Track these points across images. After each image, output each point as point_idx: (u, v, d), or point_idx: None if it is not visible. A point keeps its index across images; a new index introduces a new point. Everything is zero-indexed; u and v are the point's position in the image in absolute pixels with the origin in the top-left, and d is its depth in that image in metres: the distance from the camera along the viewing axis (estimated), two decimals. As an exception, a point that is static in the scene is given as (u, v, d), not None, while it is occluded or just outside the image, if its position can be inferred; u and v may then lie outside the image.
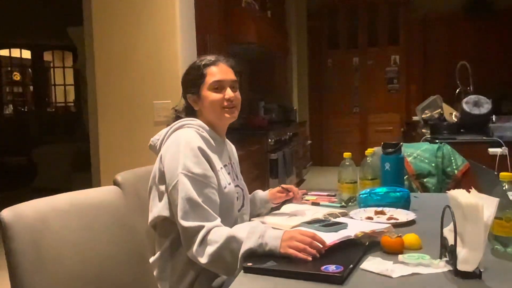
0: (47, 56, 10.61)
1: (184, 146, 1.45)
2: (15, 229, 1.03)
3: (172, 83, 3.11)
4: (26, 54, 10.39)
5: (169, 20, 3.08)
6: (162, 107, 3.11)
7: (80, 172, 5.97)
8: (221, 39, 4.14)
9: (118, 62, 3.18)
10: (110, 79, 3.20)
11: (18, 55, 10.48)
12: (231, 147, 1.78)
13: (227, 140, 1.73)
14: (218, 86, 1.57)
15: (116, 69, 3.19)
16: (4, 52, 10.02)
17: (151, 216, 1.52)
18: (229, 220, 1.52)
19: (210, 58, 1.61)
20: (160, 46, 3.10)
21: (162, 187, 1.49)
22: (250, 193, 1.81)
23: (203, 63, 1.60)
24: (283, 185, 1.78)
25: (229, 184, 1.55)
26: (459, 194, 1.12)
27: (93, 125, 3.59)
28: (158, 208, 1.49)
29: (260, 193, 1.80)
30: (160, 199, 1.50)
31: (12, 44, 9.97)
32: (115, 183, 1.58)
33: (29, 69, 10.72)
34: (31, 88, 10.80)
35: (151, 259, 1.53)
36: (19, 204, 1.09)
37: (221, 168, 1.55)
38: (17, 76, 10.82)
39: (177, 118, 1.64)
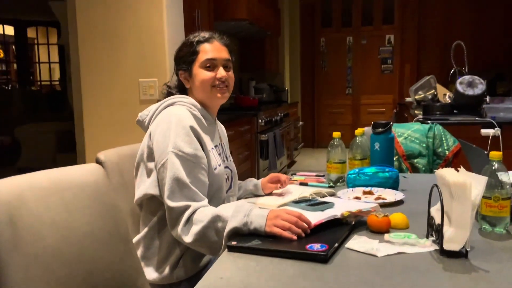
0: (31, 33, 10.44)
1: (175, 124, 1.44)
2: (-10, 206, 1.02)
3: (158, 60, 3.07)
4: (9, 30, 10.21)
5: (156, -5, 3.03)
6: (148, 85, 3.08)
7: (65, 152, 5.94)
8: (210, 15, 4.09)
9: (103, 38, 3.13)
10: (94, 56, 3.16)
11: (0, 31, 10.30)
12: (222, 128, 1.77)
13: (217, 120, 1.72)
14: (211, 64, 1.55)
15: (100, 45, 3.14)
16: (-14, 28, 9.87)
17: (137, 194, 1.52)
18: (218, 201, 1.52)
19: (204, 34, 1.59)
20: (146, 22, 3.06)
21: (151, 165, 1.48)
22: (240, 177, 1.80)
23: (196, 39, 1.57)
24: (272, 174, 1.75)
25: (219, 165, 1.55)
26: (447, 173, 1.12)
27: (77, 104, 3.55)
28: (145, 186, 1.49)
29: (254, 180, 1.79)
30: (148, 177, 1.49)
31: (-6, 20, 9.79)
32: (97, 161, 1.57)
33: (13, 46, 10.56)
34: (15, 65, 10.65)
35: (135, 238, 1.53)
36: (-6, 180, 1.08)
37: (212, 148, 1.54)
38: (0, 53, 10.66)
39: (169, 94, 1.62)
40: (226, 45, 1.61)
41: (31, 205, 1.11)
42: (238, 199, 1.73)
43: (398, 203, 1.55)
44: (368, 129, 2.04)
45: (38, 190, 1.15)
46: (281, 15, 6.99)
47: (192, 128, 1.46)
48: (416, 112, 3.71)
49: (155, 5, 3.04)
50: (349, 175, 1.77)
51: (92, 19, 3.13)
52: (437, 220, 1.12)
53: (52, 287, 1.09)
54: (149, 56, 3.07)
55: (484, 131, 2.88)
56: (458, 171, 1.15)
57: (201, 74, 1.55)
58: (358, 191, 1.66)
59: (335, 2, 8.09)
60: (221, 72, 1.56)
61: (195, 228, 1.33)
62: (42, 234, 1.10)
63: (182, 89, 1.63)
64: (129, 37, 3.09)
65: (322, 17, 8.15)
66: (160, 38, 3.05)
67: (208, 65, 1.55)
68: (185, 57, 1.58)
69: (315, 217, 1.25)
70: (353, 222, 1.29)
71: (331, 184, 1.82)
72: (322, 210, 1.34)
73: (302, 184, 1.86)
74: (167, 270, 1.48)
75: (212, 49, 1.56)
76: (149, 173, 1.49)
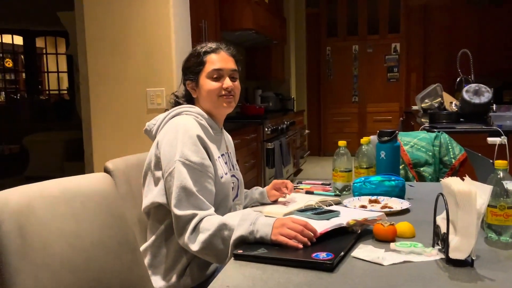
0: (40, 42, 10.55)
1: (182, 134, 1.45)
2: (0, 215, 1.03)
3: (165, 70, 3.10)
4: (18, 40, 10.33)
5: (163, 5, 3.06)
6: (155, 94, 3.10)
7: (73, 160, 5.98)
8: (217, 25, 4.12)
9: (110, 48, 3.17)
10: (102, 65, 3.19)
11: (9, 41, 10.42)
12: (228, 137, 1.78)
13: (223, 129, 1.73)
14: (217, 75, 1.57)
15: (108, 55, 3.17)
16: (-4, 38, 9.97)
17: (145, 202, 1.53)
18: (224, 209, 1.53)
19: (211, 45, 1.61)
20: (153, 32, 3.09)
21: (158, 173, 1.49)
22: (247, 185, 1.81)
23: (203, 50, 1.59)
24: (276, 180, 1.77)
25: (226, 174, 1.56)
26: (452, 182, 1.13)
27: (85, 113, 3.59)
28: (153, 194, 1.50)
29: (260, 189, 1.81)
30: (156, 185, 1.50)
31: (3, 30, 9.91)
32: (106, 170, 1.58)
33: (21, 56, 10.67)
34: (24, 75, 10.76)
35: (143, 246, 1.54)
36: (5, 190, 1.09)
37: (219, 157, 1.56)
38: (9, 63, 10.77)
39: (177, 104, 1.64)
40: (233, 55, 1.63)
41: (40, 213, 1.12)
42: (245, 207, 1.73)
43: (404, 211, 1.55)
44: (374, 138, 2.05)
45: (47, 199, 1.16)
46: (287, 24, 7.02)
47: (199, 137, 1.47)
48: (422, 120, 3.71)
49: (163, 15, 3.07)
50: (355, 184, 1.77)
51: (100, 29, 3.17)
52: (443, 229, 1.12)
53: (61, 295, 1.10)
54: (157, 65, 3.10)
55: (490, 140, 2.87)
56: (463, 180, 1.15)
57: (207, 84, 1.57)
58: (364, 199, 1.66)
59: (340, 11, 8.12)
60: (227, 82, 1.58)
61: (202, 237, 1.34)
62: (50, 243, 1.11)
63: (189, 99, 1.64)
64: (137, 47, 3.12)
65: (328, 26, 8.18)
66: (167, 48, 3.07)
67: (214, 75, 1.57)
68: (192, 68, 1.60)
69: (321, 226, 1.25)
70: (359, 231, 1.29)
71: (337, 192, 1.82)
72: (328, 219, 1.34)
73: (308, 192, 1.86)
74: (174, 278, 1.49)
75: (219, 59, 1.58)
76: (156, 182, 1.51)
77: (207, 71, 1.57)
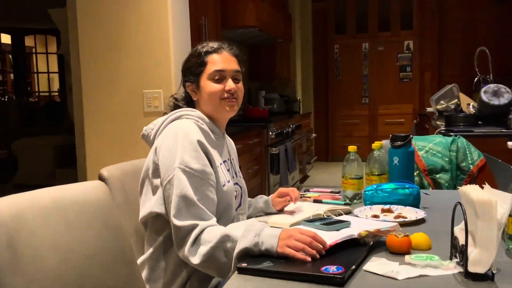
0: (29, 41, 10.61)
1: (182, 139, 1.46)
2: (-11, 227, 1.04)
3: (163, 71, 3.11)
4: (6, 38, 10.38)
5: (161, 1, 3.08)
6: (152, 96, 3.11)
7: (64, 167, 6.00)
8: (218, 23, 4.13)
9: (105, 47, 3.18)
10: (96, 65, 3.20)
11: (-3, 40, 10.47)
12: (230, 142, 1.79)
13: (226, 134, 1.74)
14: (219, 76, 1.58)
15: (102, 55, 3.19)
16: (-18, 37, 10.03)
17: (142, 212, 1.53)
18: (227, 220, 1.53)
19: (213, 45, 1.62)
20: (150, 30, 3.10)
21: (156, 181, 1.49)
22: (250, 193, 1.81)
23: (204, 50, 1.60)
24: (282, 188, 1.77)
25: (228, 181, 1.56)
26: (471, 190, 1.12)
27: (78, 116, 3.60)
28: (151, 204, 1.50)
29: (264, 197, 1.81)
30: (154, 194, 1.50)
31: (-10, 28, 9.96)
32: (100, 178, 1.59)
33: (9, 55, 10.73)
34: (12, 76, 10.81)
35: (140, 259, 1.54)
36: (-7, 199, 1.10)
37: (221, 164, 1.56)
38: (-4, 63, 10.83)
39: (176, 107, 1.65)
40: (236, 55, 1.64)
41: (31, 225, 1.13)
42: (248, 217, 1.73)
43: (420, 222, 1.55)
44: (386, 142, 2.05)
45: (38, 209, 1.17)
46: (292, 21, 7.04)
47: (199, 142, 1.47)
48: (438, 123, 3.71)
49: (160, 12, 3.08)
50: (366, 192, 1.77)
51: (94, 26, 3.18)
52: (461, 241, 1.12)
53: (53, 311, 1.10)
54: (154, 65, 3.11)
55: (511, 144, 2.87)
56: (483, 187, 1.15)
57: (209, 86, 1.58)
58: (376, 209, 1.66)
59: (349, 7, 8.14)
60: (230, 84, 1.58)
61: (203, 249, 1.34)
62: (42, 256, 1.12)
63: (189, 102, 1.65)
64: (133, 45, 3.14)
65: (335, 23, 8.20)
66: (165, 46, 3.09)
67: (216, 77, 1.58)
68: (192, 68, 1.61)
69: (331, 237, 1.25)
70: (371, 243, 1.29)
71: (347, 201, 1.82)
72: (337, 230, 1.34)
73: (316, 201, 1.86)
74: (173, 293, 1.49)
75: (221, 60, 1.59)
76: (154, 190, 1.51)
77: (209, 72, 1.57)
